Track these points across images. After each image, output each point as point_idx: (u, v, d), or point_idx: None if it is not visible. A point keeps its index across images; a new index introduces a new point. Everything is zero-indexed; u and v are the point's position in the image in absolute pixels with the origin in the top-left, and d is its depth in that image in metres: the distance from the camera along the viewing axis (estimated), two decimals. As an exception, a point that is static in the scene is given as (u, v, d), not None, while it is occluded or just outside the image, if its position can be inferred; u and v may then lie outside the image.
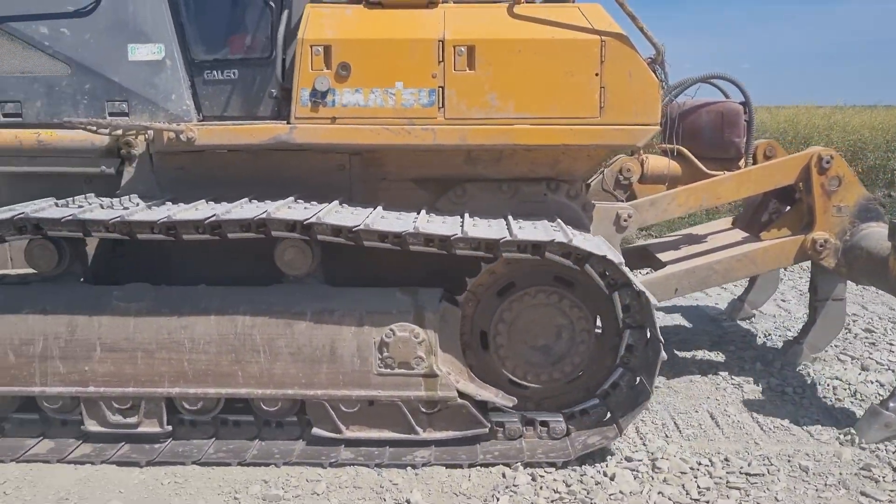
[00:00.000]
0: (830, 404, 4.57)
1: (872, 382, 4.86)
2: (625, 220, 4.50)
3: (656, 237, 6.93)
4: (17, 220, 3.71)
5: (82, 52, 4.27)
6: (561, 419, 4.06)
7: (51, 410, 4.00)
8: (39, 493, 3.61)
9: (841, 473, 3.75)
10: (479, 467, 3.81)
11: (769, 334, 5.95)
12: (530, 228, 3.83)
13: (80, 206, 3.91)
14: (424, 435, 3.91)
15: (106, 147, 4.24)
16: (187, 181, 4.28)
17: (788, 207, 5.04)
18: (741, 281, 6.10)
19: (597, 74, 3.87)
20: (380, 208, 3.98)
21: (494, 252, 3.68)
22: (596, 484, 3.66)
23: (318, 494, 3.60)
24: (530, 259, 3.74)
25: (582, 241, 3.68)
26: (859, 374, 5.03)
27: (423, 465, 3.81)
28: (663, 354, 3.63)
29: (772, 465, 3.84)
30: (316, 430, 3.92)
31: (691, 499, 3.52)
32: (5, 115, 4.37)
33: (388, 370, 3.82)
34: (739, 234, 5.14)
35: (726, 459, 3.89)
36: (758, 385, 4.89)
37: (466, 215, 4.01)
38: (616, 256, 3.66)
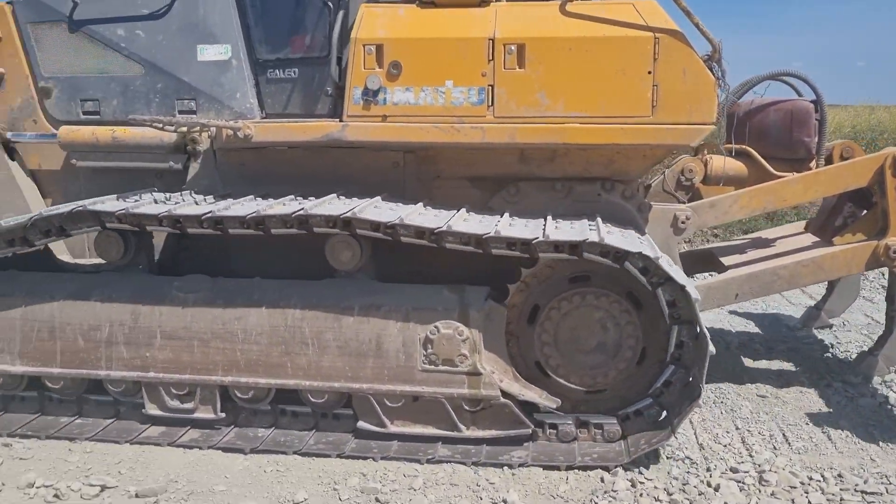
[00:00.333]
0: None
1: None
2: (682, 222, 4.38)
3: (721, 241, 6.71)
4: (75, 213, 3.92)
5: (155, 53, 4.49)
6: (614, 421, 4.00)
7: (115, 393, 4.21)
8: (151, 475, 3.76)
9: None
10: (576, 470, 3.77)
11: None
12: (566, 228, 3.79)
13: (136, 201, 4.09)
14: (467, 433, 3.92)
15: (174, 143, 4.44)
16: (248, 177, 4.43)
17: (865, 212, 4.79)
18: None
19: (649, 72, 3.80)
20: (420, 205, 4.02)
21: (530, 252, 3.65)
22: (699, 494, 3.54)
23: (414, 490, 3.61)
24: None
25: (616, 238, 3.62)
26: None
27: (520, 465, 3.79)
28: (711, 349, 3.53)
29: (890, 483, 3.62)
30: (361, 424, 3.99)
31: (801, 515, 3.38)
32: (85, 113, 4.63)
33: (433, 367, 3.84)
34: (810, 239, 4.92)
35: (840, 475, 3.70)
36: (874, 398, 4.62)
37: (506, 214, 3.99)
38: (653, 252, 3.56)
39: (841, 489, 3.56)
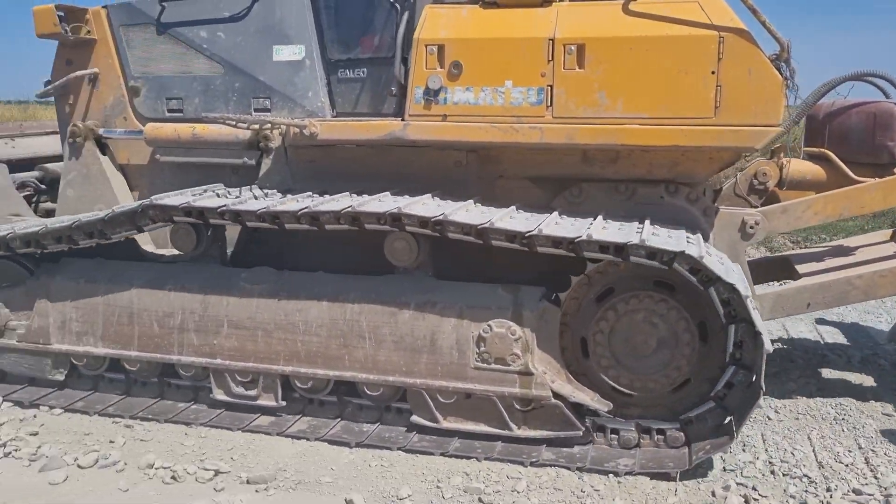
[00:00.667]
0: None
1: None
2: (751, 227, 4.24)
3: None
4: (143, 207, 4.14)
5: (234, 53, 4.70)
6: (676, 426, 3.91)
7: (185, 378, 4.42)
8: (261, 463, 3.87)
9: None
10: (686, 482, 3.64)
11: None
12: (614, 229, 3.74)
13: (198, 196, 4.26)
14: (518, 432, 3.92)
15: (247, 140, 4.62)
16: (317, 174, 4.56)
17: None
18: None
19: (713, 72, 3.70)
20: (469, 202, 4.04)
21: (577, 252, 3.62)
22: None
23: (518, 492, 3.58)
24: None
25: (662, 240, 3.54)
26: None
27: (626, 473, 3.71)
28: (767, 347, 3.39)
29: None
30: (414, 418, 4.05)
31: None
32: (170, 111, 4.90)
33: (485, 365, 3.87)
34: (894, 248, 4.67)
35: None
36: None
37: (555, 213, 3.97)
38: (698, 251, 3.47)
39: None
